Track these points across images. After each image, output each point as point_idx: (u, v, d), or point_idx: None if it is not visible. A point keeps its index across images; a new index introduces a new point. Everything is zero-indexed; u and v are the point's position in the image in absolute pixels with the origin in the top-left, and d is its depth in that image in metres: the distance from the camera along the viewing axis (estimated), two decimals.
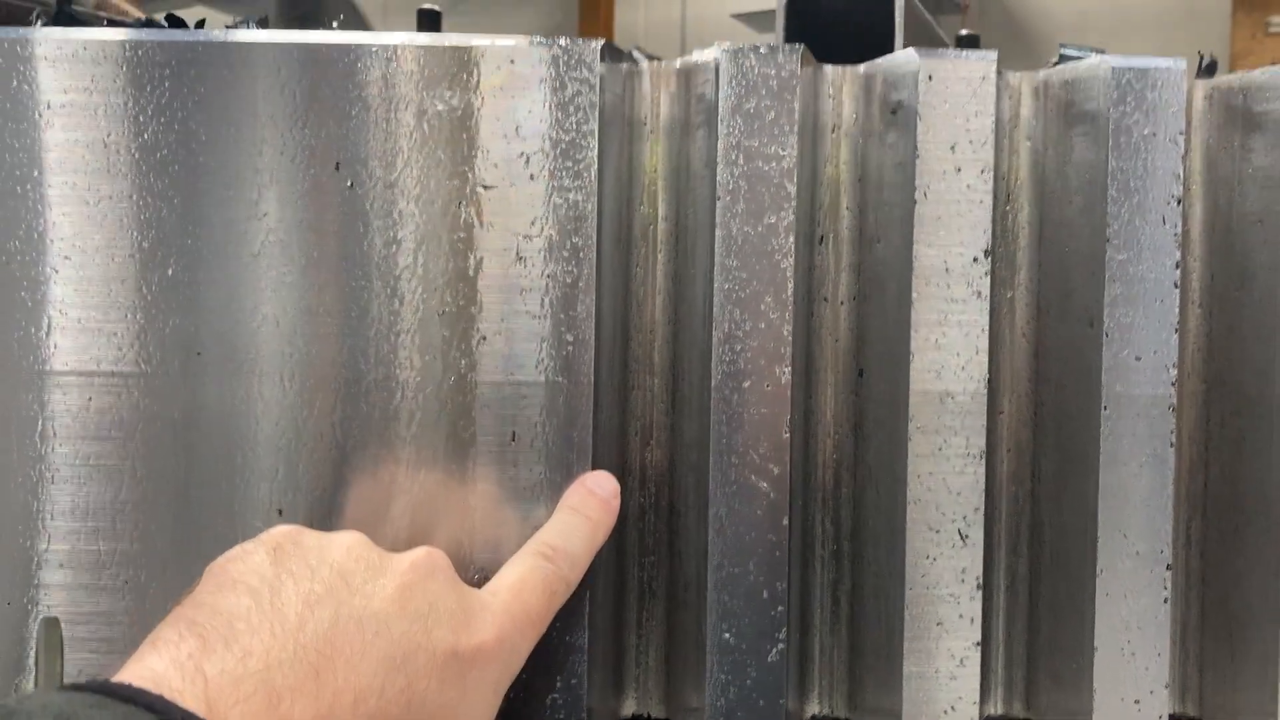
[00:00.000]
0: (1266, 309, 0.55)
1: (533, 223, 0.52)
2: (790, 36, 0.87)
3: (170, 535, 0.53)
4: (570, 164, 0.52)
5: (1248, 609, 0.56)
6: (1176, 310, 0.54)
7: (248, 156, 0.52)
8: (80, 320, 0.53)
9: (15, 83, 0.52)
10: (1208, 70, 0.63)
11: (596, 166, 0.52)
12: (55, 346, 0.53)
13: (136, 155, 0.52)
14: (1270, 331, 0.55)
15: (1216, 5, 5.87)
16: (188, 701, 0.36)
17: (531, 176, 0.52)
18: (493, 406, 0.53)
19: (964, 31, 1.39)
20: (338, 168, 0.52)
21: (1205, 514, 0.58)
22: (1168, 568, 0.54)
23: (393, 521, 0.53)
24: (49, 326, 0.53)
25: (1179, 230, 0.53)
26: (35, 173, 0.53)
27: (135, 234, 0.53)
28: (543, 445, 0.53)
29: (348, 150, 0.52)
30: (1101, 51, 0.57)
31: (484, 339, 0.52)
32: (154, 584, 0.53)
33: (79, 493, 0.53)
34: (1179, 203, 0.53)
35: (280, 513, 0.53)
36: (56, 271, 0.53)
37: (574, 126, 0.52)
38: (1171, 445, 0.54)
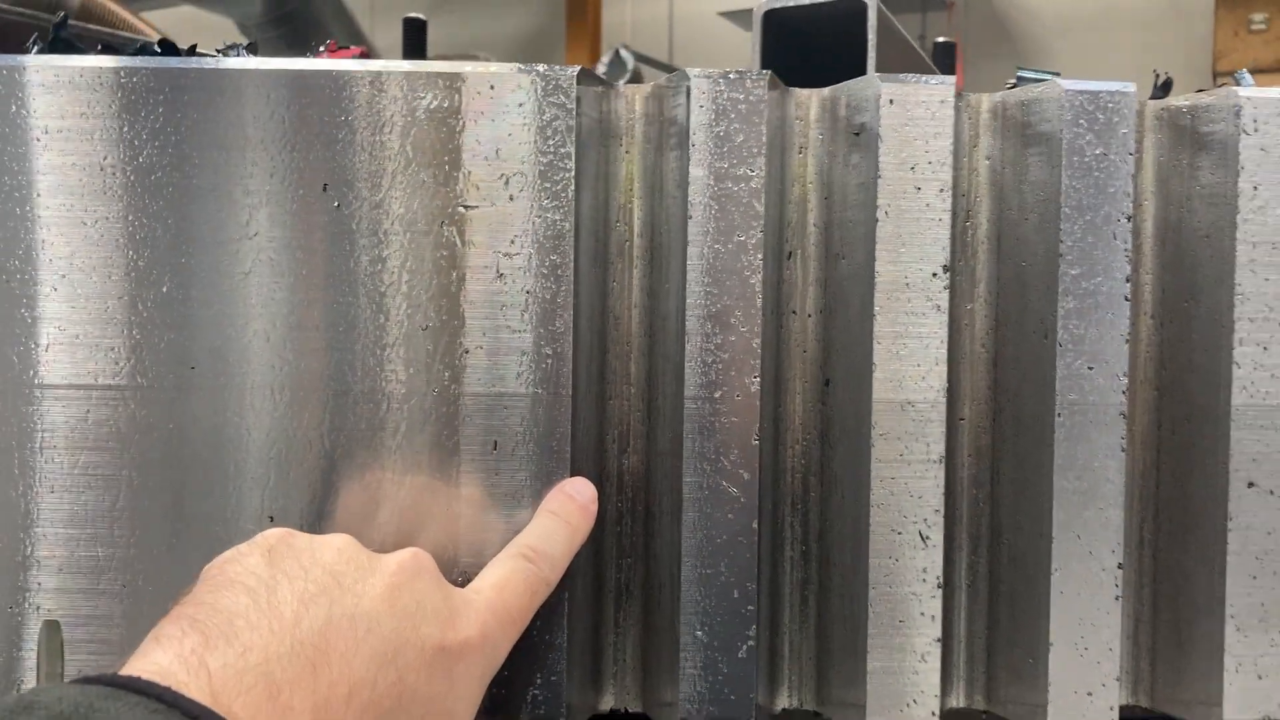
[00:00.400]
0: (1213, 320, 0.58)
1: (513, 241, 0.55)
2: (767, 47, 0.89)
3: (166, 541, 0.56)
4: (549, 185, 0.55)
5: (1194, 605, 0.59)
6: (1127, 322, 0.56)
7: (238, 178, 0.55)
8: (78, 336, 0.55)
9: (14, 108, 0.55)
10: (1162, 89, 0.66)
11: (574, 187, 0.55)
12: (54, 361, 0.55)
13: (132, 178, 0.55)
14: (1217, 342, 0.58)
15: (1200, 3, 5.91)
16: (193, 693, 0.38)
17: (511, 197, 0.55)
18: (475, 417, 0.55)
19: (941, 39, 1.41)
20: (325, 189, 0.55)
21: (1157, 515, 0.61)
22: (1119, 567, 0.57)
23: (380, 527, 0.55)
24: (48, 342, 0.55)
25: (1129, 246, 0.56)
26: (34, 194, 0.55)
27: (131, 253, 0.55)
28: (524, 454, 0.55)
29: (335, 172, 0.55)
30: (1057, 74, 0.59)
31: (466, 352, 0.55)
32: (150, 588, 0.56)
33: (78, 501, 0.56)
34: (1129, 220, 0.56)
35: (271, 519, 0.55)
36: (55, 289, 0.55)
37: (552, 149, 0.54)
38: (1123, 450, 0.56)
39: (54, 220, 0.55)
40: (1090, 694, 0.57)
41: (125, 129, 0.55)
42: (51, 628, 0.52)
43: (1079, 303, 0.56)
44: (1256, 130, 0.57)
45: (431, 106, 0.55)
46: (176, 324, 0.55)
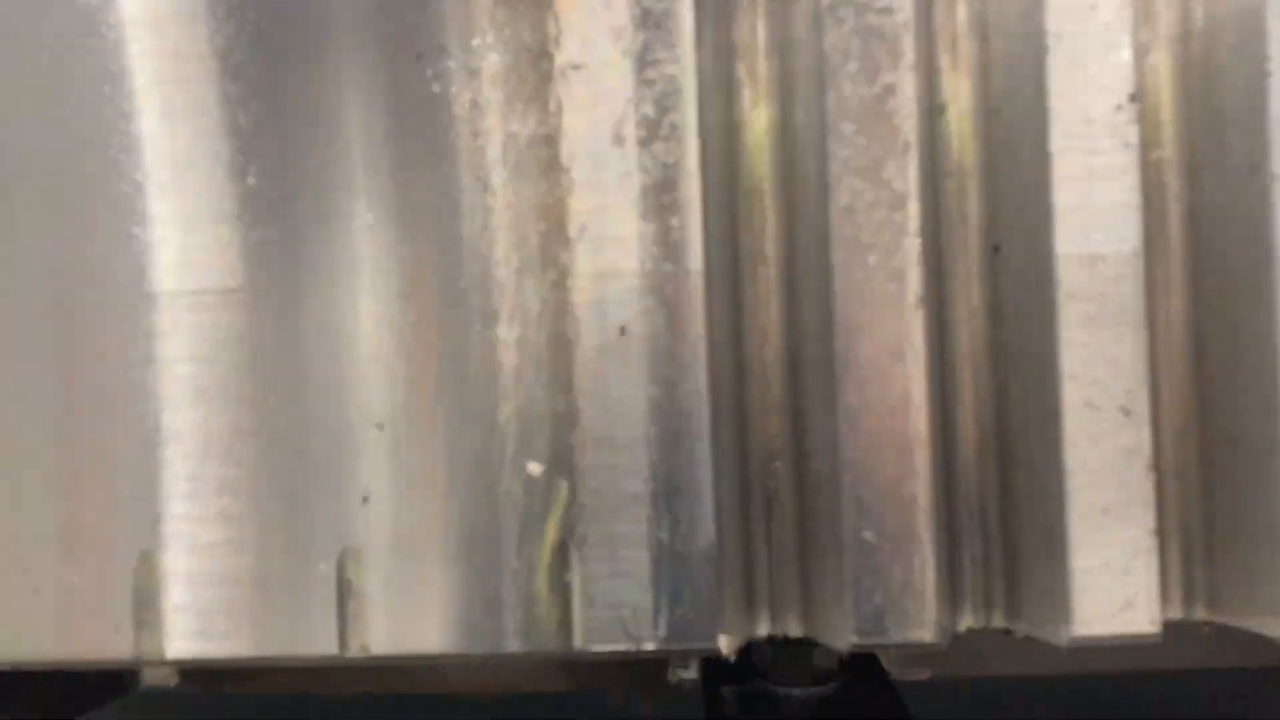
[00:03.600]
0: None
1: (626, 100, 0.49)
2: None
3: (292, 445, 0.51)
4: (663, 34, 0.48)
5: None
6: None
7: (331, 60, 0.50)
8: (186, 239, 0.51)
9: (106, 9, 0.51)
10: None
11: (692, 36, 0.48)
12: (164, 266, 0.51)
13: (231, 72, 0.50)
14: None
15: None
16: None
17: (623, 52, 0.49)
18: (596, 301, 0.49)
19: None
20: (419, 59, 0.49)
21: None
22: None
23: (496, 429, 0.49)
24: (157, 247, 0.51)
25: None
26: (133, 94, 0.51)
27: (236, 155, 0.51)
28: (651, 339, 0.49)
29: (427, 39, 0.49)
30: None
31: (583, 229, 0.49)
32: (271, 490, 0.51)
33: (191, 415, 0.51)
34: None
35: (380, 427, 0.50)
36: (162, 193, 0.51)
37: None
38: None
39: (159, 117, 0.51)
40: None
41: (219, 24, 0.50)
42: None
43: None
44: None
45: None
46: (279, 220, 0.50)
